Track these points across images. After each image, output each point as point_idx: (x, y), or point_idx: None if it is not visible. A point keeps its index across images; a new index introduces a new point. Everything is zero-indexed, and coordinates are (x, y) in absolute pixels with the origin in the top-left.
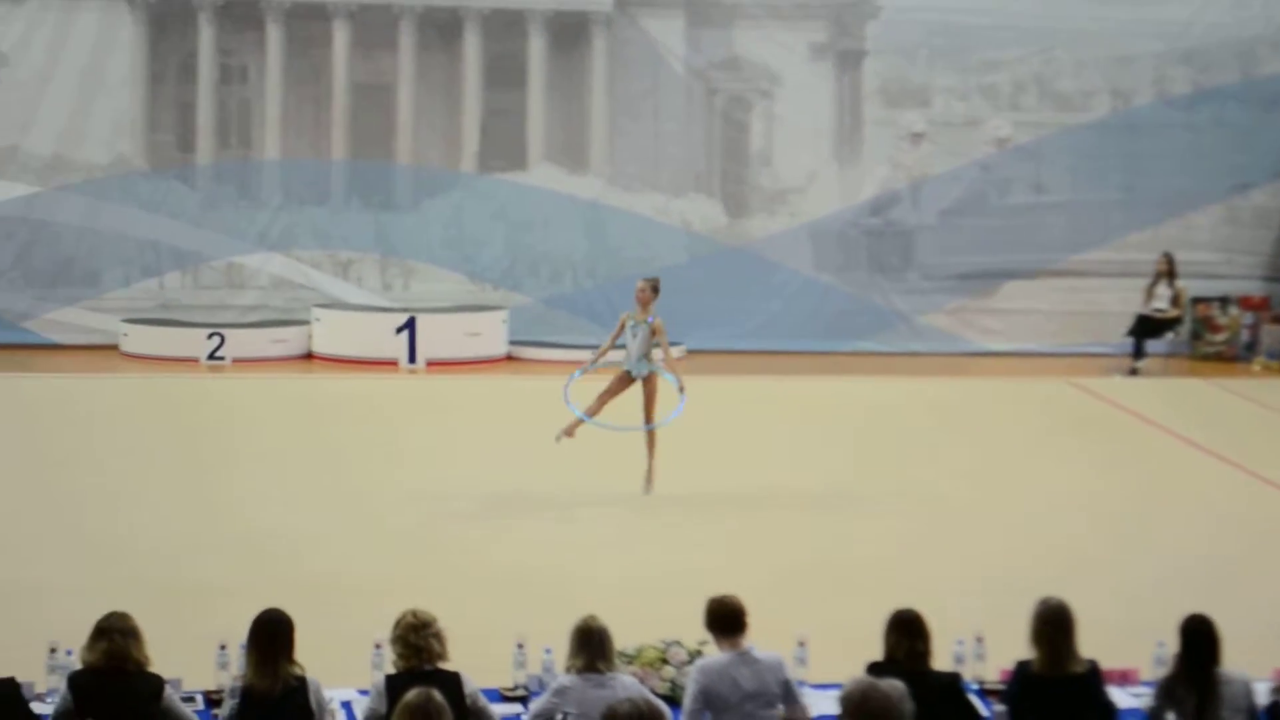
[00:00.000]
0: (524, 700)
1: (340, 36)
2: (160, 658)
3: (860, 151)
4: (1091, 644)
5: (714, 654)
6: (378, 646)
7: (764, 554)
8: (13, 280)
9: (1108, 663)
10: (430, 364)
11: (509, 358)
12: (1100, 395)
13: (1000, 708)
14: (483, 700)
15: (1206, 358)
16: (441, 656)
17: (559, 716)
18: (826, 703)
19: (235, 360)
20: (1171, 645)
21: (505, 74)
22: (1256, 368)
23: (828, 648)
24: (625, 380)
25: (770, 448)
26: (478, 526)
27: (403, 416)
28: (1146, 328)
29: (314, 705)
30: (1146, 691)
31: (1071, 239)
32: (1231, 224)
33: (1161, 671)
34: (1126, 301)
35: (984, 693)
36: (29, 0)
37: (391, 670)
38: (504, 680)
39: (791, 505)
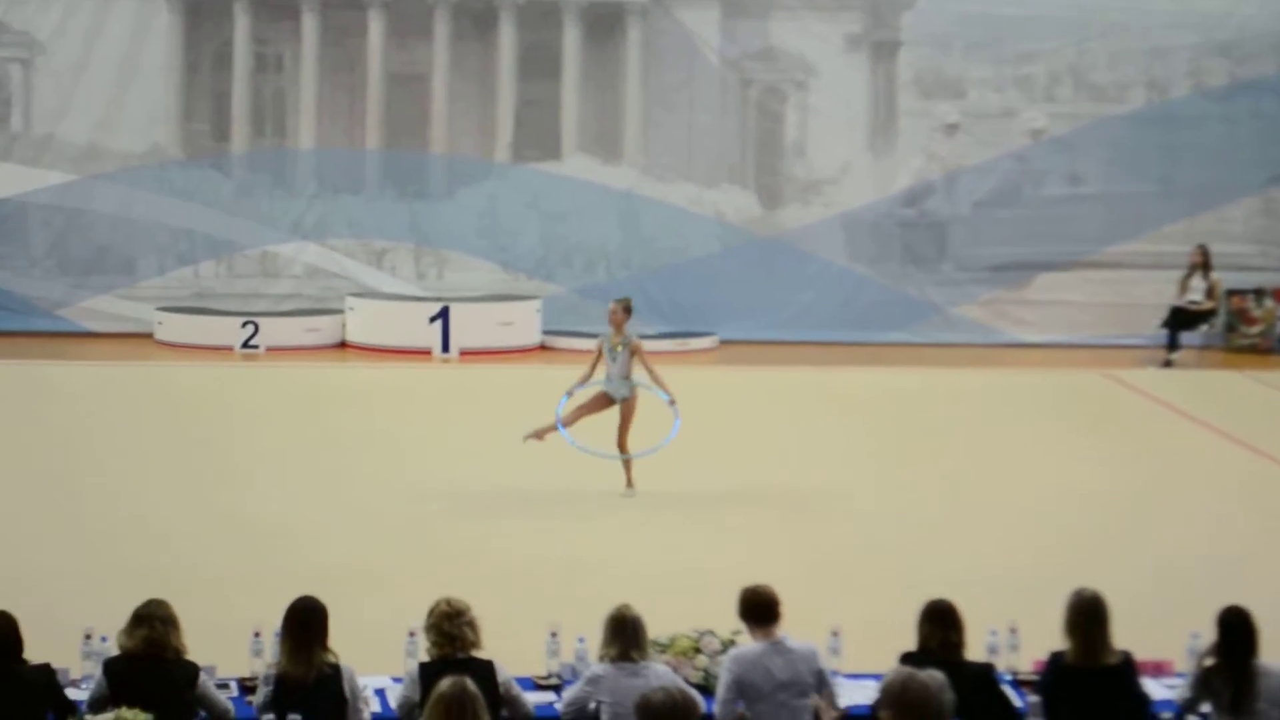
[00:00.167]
0: (557, 689)
1: (375, 26)
2: (194, 645)
3: (895, 143)
4: (1125, 635)
5: (747, 643)
6: (411, 634)
7: (796, 544)
8: (48, 268)
9: (1141, 654)
10: (463, 353)
11: (542, 347)
12: (1134, 387)
13: (1034, 698)
14: (516, 688)
15: (1241, 350)
16: (475, 644)
17: (592, 705)
18: (860, 693)
19: (269, 349)
20: (1207, 636)
21: (540, 64)
22: None
23: (861, 638)
24: (604, 400)
25: (802, 438)
26: (510, 516)
27: (436, 406)
28: (1181, 320)
29: (348, 692)
30: (1180, 683)
31: (1106, 231)
32: (1267, 216)
33: (1196, 663)
34: (1161, 293)
35: (1017, 683)
36: None
37: (425, 658)
38: (537, 669)
39: (823, 496)
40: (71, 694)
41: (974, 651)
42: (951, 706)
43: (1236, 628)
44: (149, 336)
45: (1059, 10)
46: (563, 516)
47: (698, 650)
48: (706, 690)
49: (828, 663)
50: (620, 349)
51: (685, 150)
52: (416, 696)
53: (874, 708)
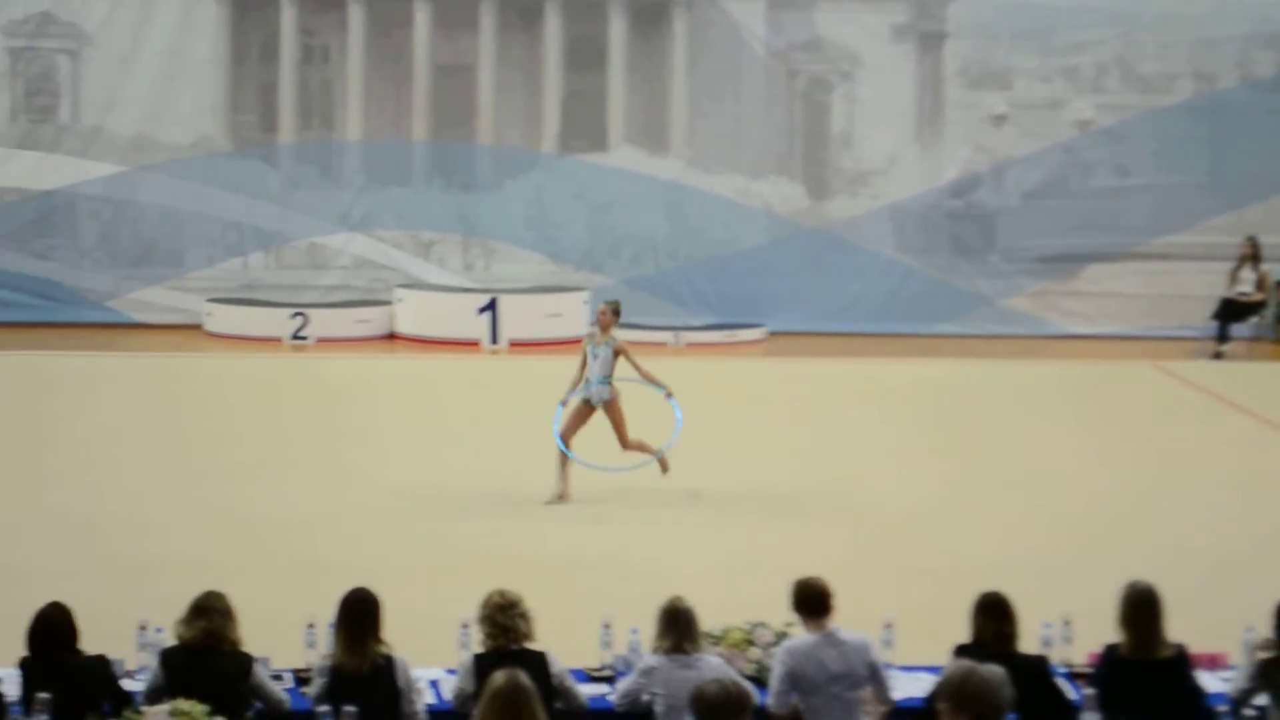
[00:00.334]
0: (610, 680)
1: (421, 17)
2: (249, 636)
3: (942, 133)
4: (1179, 627)
5: (800, 635)
6: (464, 626)
7: (846, 536)
8: (98, 260)
9: (1196, 646)
10: (512, 344)
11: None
12: (1184, 379)
13: (1089, 691)
14: (569, 680)
15: None
16: (528, 636)
17: (646, 697)
18: (914, 685)
19: (319, 340)
20: (1262, 629)
21: (586, 55)
22: None
23: (914, 630)
24: (587, 409)
25: (850, 430)
26: (559, 508)
27: (484, 398)
28: (1231, 311)
29: (401, 684)
30: (1235, 675)
31: (1155, 222)
32: None
33: (1251, 656)
34: (1211, 285)
35: (1072, 676)
36: None
37: (479, 650)
38: (590, 660)
39: (873, 488)
40: (127, 685)
41: (1028, 644)
42: (1011, 701)
43: None
44: (198, 328)
45: (1106, 1)
46: (613, 508)
47: (750, 642)
48: (759, 682)
49: (881, 655)
50: (604, 349)
51: (732, 141)
52: (471, 688)
53: (931, 700)
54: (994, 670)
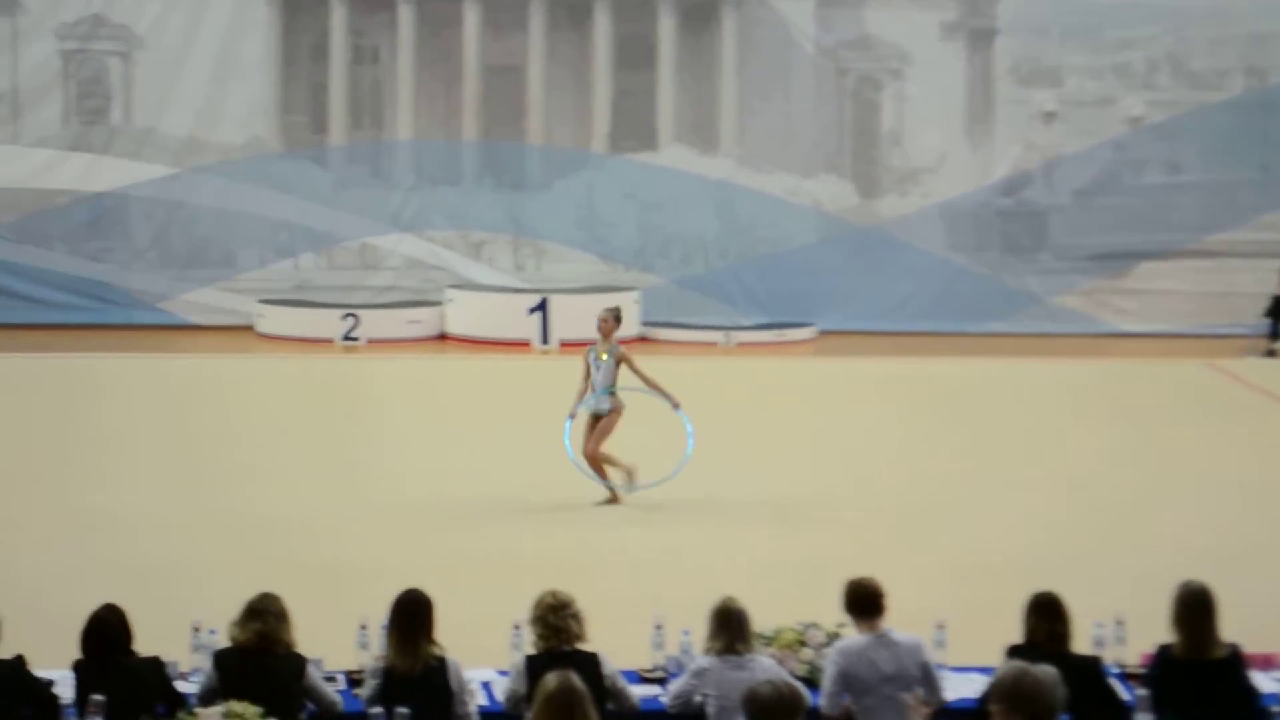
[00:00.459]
0: (662, 682)
1: (471, 17)
2: (302, 637)
3: (992, 131)
4: (1232, 628)
5: (852, 636)
6: (516, 627)
7: (897, 536)
8: (150, 261)
9: (1250, 646)
10: (563, 344)
11: (642, 339)
12: (1236, 376)
13: (1142, 691)
14: (621, 681)
15: None
16: (580, 637)
17: (698, 698)
18: (966, 685)
19: (370, 341)
20: None
21: (635, 54)
22: None
23: (965, 631)
24: (594, 420)
25: (900, 429)
26: (610, 509)
27: (535, 398)
28: None
29: (454, 685)
30: None
31: (1206, 219)
32: None
33: None
34: (1263, 282)
35: (1124, 676)
36: None
37: (531, 651)
38: (642, 661)
39: (924, 487)
40: (181, 686)
41: (1081, 644)
42: (1064, 702)
43: None
44: (250, 329)
45: None
46: (665, 511)
47: (803, 643)
48: (812, 683)
49: (933, 655)
50: (606, 358)
51: (782, 140)
52: (523, 689)
53: (984, 701)
54: (1047, 671)
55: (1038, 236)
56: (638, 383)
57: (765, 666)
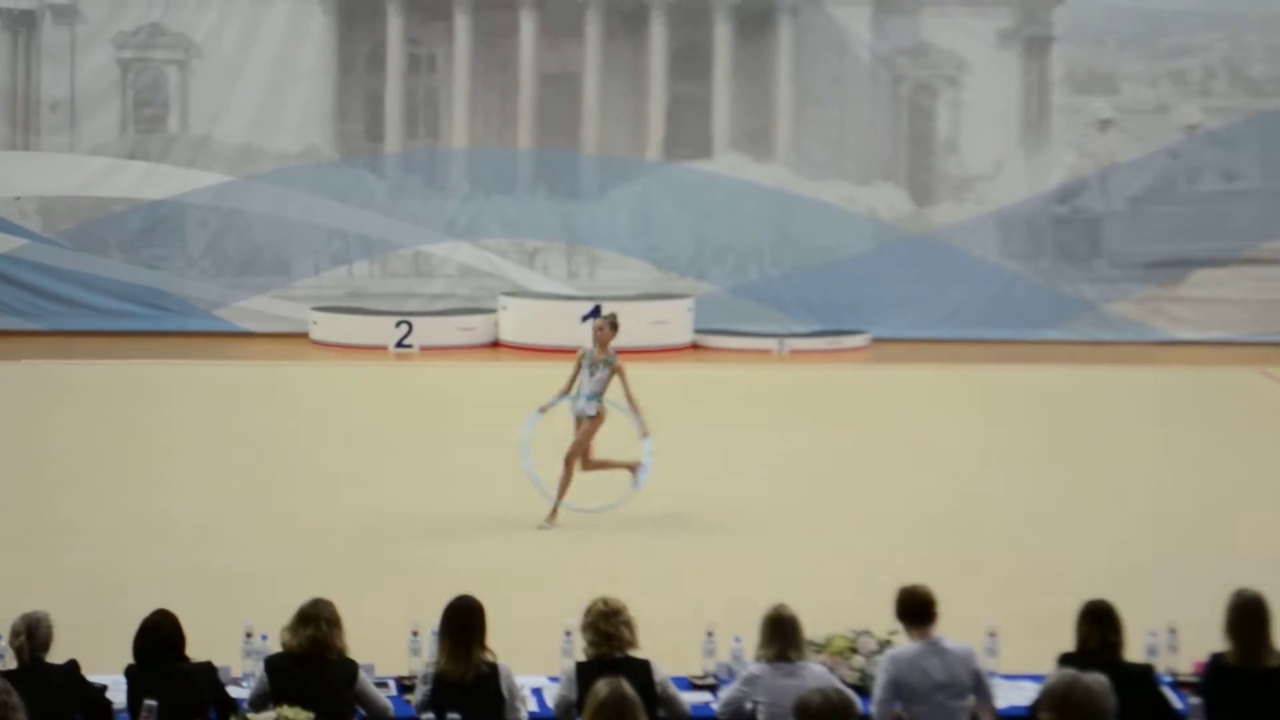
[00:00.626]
0: (713, 689)
1: (527, 26)
2: (354, 643)
3: (1048, 138)
4: None
5: (904, 644)
6: (567, 634)
7: (949, 543)
8: (205, 269)
9: None
10: (616, 352)
11: (695, 346)
12: None
13: (1195, 700)
14: (673, 688)
15: None
16: (631, 644)
17: (749, 705)
18: (1017, 693)
19: (423, 348)
20: None
21: (691, 62)
22: None
23: (1017, 639)
24: (578, 422)
25: (953, 437)
26: (661, 516)
27: None
28: None
29: (505, 691)
30: None
31: (1263, 226)
32: None
33: None
34: None
35: (1177, 685)
36: None
37: (582, 657)
38: (693, 668)
39: (975, 494)
40: (233, 691)
41: (1133, 652)
42: (1115, 711)
43: None
44: (304, 336)
45: (1214, 3)
46: (716, 518)
47: (854, 650)
48: (863, 691)
49: (985, 663)
50: (600, 367)
51: (837, 148)
52: (574, 696)
53: (1035, 709)
54: (1097, 679)
55: (1092, 244)
56: (622, 399)
57: (816, 674)
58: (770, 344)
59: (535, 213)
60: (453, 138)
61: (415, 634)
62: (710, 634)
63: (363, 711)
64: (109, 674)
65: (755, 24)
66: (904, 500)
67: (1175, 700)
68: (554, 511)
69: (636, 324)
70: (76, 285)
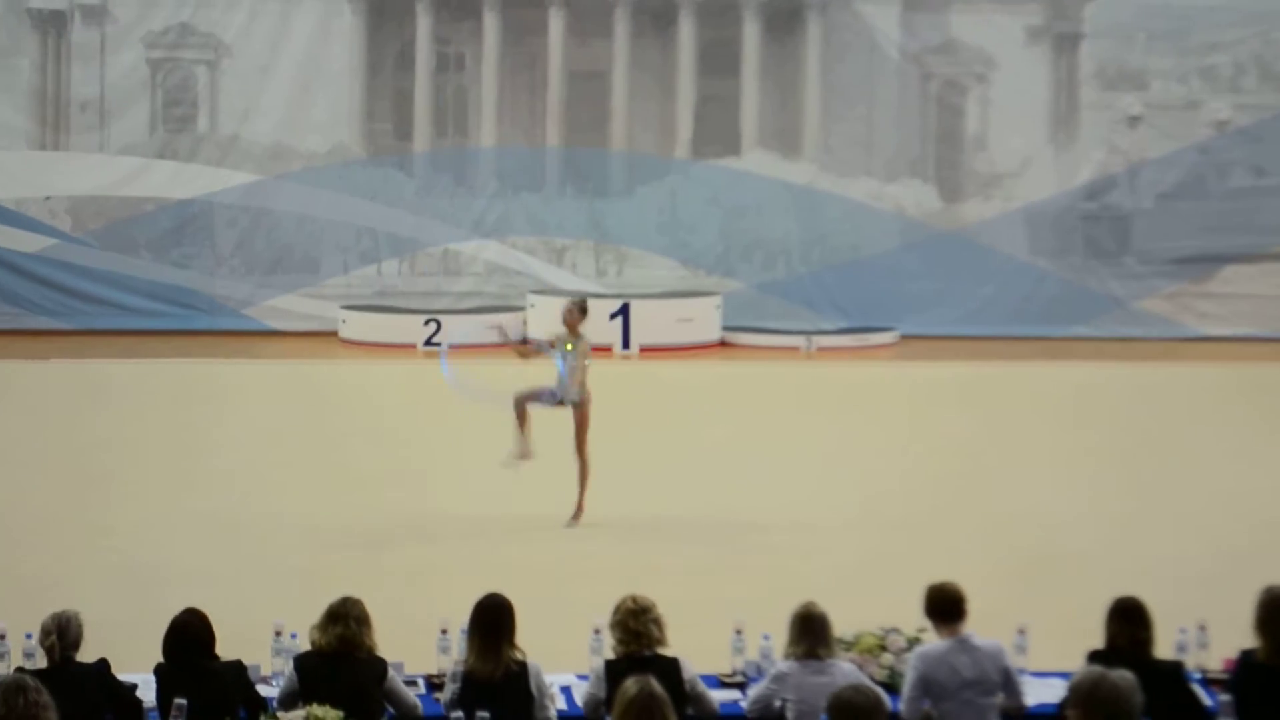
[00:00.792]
0: (742, 686)
1: (555, 24)
2: (383, 641)
3: (1076, 135)
4: None
5: (933, 641)
6: (596, 631)
7: (978, 541)
8: (234, 268)
9: None
10: (643, 349)
11: (723, 343)
12: None
13: (1225, 697)
14: (701, 686)
15: None
16: (660, 642)
17: (778, 703)
18: (1047, 691)
19: (452, 346)
20: None
21: (719, 60)
22: None
23: (1046, 636)
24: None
25: (982, 434)
26: (689, 513)
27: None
28: None
29: (534, 690)
30: None
31: None
32: None
33: None
34: None
35: (1207, 682)
36: None
37: (610, 655)
38: (722, 666)
39: (1004, 492)
40: (262, 690)
41: (1163, 649)
42: (1141, 708)
43: None
44: (333, 334)
45: (1244, 0)
46: (745, 515)
47: (883, 648)
48: (892, 688)
49: (1014, 661)
50: (571, 349)
51: (865, 145)
52: (602, 694)
53: (1062, 706)
54: (1125, 676)
55: (1121, 240)
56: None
57: (845, 671)
58: (798, 341)
59: (563, 211)
60: (481, 136)
61: (444, 632)
62: (739, 632)
63: (392, 710)
64: (139, 673)
65: (784, 22)
66: (932, 497)
67: (1205, 697)
68: (579, 509)
69: (664, 322)
70: (106, 284)
